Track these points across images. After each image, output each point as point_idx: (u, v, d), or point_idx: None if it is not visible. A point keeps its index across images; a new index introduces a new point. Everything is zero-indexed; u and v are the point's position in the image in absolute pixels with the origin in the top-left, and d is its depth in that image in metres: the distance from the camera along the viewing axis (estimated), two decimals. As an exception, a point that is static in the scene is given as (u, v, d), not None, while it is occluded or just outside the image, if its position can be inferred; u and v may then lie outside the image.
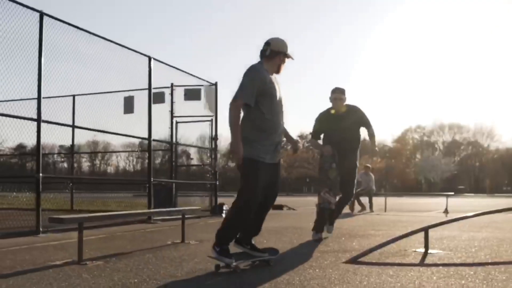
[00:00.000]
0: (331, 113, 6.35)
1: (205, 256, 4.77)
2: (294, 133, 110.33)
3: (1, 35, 7.03)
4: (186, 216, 10.61)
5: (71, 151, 14.73)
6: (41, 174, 7.32)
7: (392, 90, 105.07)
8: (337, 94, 6.25)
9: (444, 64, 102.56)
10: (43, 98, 7.43)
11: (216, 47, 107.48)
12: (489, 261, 4.30)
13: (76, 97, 12.73)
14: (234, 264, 3.88)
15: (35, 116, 7.34)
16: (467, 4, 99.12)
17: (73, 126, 12.18)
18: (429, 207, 17.45)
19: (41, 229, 7.08)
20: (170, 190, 11.94)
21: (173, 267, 4.09)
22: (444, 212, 12.95)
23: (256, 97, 4.00)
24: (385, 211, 13.76)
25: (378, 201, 15.58)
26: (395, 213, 12.70)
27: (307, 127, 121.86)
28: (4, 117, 7.32)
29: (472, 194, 54.33)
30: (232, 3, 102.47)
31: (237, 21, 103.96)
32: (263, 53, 4.23)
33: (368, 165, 15.99)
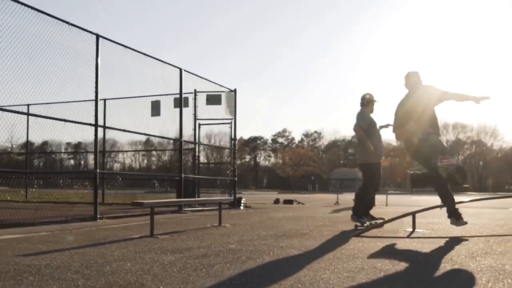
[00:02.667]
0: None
1: (245, 231, 6.24)
2: (299, 132, 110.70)
3: (63, 50, 8.52)
4: (209, 208, 12.12)
5: (100, 149, 16.14)
6: (98, 170, 8.83)
7: (396, 90, 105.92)
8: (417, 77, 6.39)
9: (446, 64, 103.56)
10: (77, 101, 9.06)
11: (234, 55, 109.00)
12: (458, 235, 5.74)
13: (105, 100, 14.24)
14: (366, 223, 6.82)
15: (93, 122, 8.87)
16: (471, 4, 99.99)
17: (104, 127, 13.66)
18: (428, 203, 18.80)
19: (98, 216, 8.58)
20: (194, 185, 13.41)
21: (224, 238, 5.55)
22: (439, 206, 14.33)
23: (368, 127, 7.18)
24: (386, 205, 15.20)
25: (380, 197, 17.02)
26: (395, 207, 14.12)
27: (312, 126, 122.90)
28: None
29: (475, 193, 55.54)
30: (241, 12, 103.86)
31: (246, 28, 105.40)
32: (363, 103, 7.44)
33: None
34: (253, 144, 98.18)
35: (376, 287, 2.86)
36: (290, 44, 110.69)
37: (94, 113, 8.83)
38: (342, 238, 5.57)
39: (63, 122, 8.57)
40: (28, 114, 9.20)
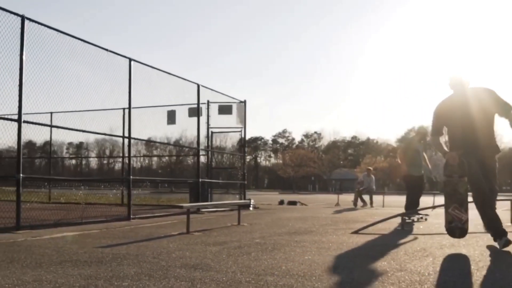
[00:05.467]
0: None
1: (263, 229, 7.58)
2: (299, 133, 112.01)
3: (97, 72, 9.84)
4: (222, 209, 13.40)
5: (124, 155, 17.44)
6: (131, 177, 10.17)
7: (396, 91, 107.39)
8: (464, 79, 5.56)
9: (445, 64, 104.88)
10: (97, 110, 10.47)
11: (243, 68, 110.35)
12: (437, 233, 7.08)
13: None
14: (411, 218, 9.06)
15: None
16: (469, 5, 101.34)
17: (123, 137, 14.98)
18: (423, 204, 20.16)
19: (131, 216, 9.92)
20: (208, 188, 14.75)
21: (248, 234, 6.88)
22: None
23: (408, 150, 10.16)
24: (383, 206, 16.56)
25: (378, 198, 18.40)
26: (391, 208, 15.45)
27: (312, 127, 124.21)
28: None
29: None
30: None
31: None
32: (417, 133, 10.56)
33: (370, 167, 18.79)
34: (254, 144, 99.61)
35: (367, 265, 4.18)
36: (290, 44, 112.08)
37: (128, 126, 10.21)
38: (343, 235, 6.90)
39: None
40: (64, 128, 10.50)
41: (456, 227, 5.28)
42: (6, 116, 7.89)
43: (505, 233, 5.12)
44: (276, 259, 4.58)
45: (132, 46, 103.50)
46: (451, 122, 5.40)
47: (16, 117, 7.69)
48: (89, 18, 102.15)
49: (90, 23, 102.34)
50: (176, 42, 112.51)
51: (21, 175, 7.66)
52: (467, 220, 5.28)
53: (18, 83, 7.65)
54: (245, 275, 3.75)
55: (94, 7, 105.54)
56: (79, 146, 72.40)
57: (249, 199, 15.21)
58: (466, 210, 5.26)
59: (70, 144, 71.42)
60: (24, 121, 7.74)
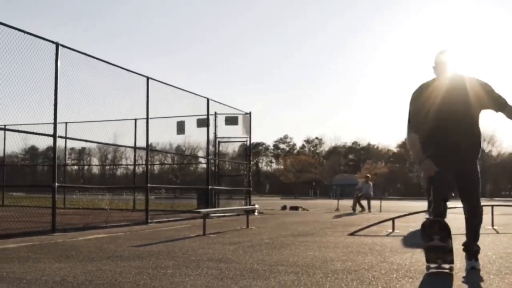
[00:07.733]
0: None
1: (270, 232, 8.58)
2: (300, 138, 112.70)
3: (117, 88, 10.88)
4: (229, 214, 14.36)
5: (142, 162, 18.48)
6: (149, 185, 11.19)
7: (397, 96, 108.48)
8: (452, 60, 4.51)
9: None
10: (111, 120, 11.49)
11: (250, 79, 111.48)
12: (423, 234, 8.07)
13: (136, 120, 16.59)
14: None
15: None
16: (472, 12, 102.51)
17: (135, 148, 16.00)
18: (420, 208, 21.11)
19: (149, 221, 10.91)
20: (215, 194, 15.75)
21: (257, 236, 7.88)
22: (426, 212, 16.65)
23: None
24: (380, 211, 17.56)
25: (376, 203, 19.40)
26: (387, 213, 16.42)
27: (313, 132, 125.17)
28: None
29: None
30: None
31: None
32: None
33: (368, 175, 19.86)
34: (255, 150, 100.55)
35: (358, 259, 5.18)
36: (292, 50, 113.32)
37: (145, 138, 11.24)
38: (340, 236, 7.91)
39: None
40: (93, 141, 11.53)
41: (439, 265, 4.42)
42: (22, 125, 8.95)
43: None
44: (284, 254, 5.59)
45: (131, 53, 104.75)
46: (433, 112, 4.39)
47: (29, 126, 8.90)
48: (91, 25, 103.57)
49: (92, 30, 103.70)
50: (178, 48, 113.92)
51: (56, 184, 8.66)
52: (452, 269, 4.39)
53: (53, 102, 8.67)
54: (261, 265, 4.76)
55: (95, 15, 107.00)
56: (81, 151, 73.55)
57: (254, 204, 16.18)
58: (452, 261, 4.39)
59: (72, 149, 72.71)
60: (59, 136, 8.77)
